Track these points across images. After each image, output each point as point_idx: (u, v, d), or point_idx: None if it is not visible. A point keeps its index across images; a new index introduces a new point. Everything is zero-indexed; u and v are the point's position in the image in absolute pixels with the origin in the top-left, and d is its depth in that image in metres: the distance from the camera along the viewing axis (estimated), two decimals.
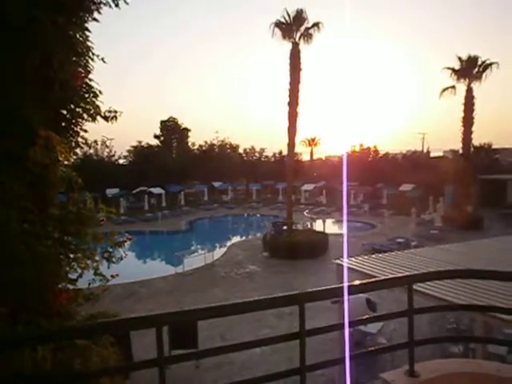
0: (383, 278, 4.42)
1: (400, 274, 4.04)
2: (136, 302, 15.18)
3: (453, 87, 30.80)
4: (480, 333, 8.01)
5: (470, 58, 30.29)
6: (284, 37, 23.96)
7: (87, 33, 5.52)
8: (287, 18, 23.61)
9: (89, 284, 5.89)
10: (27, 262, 3.89)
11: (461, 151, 32.70)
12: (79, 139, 5.93)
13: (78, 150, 6.51)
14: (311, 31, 23.51)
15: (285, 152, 27.89)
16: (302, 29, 23.65)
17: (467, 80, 30.46)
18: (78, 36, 5.36)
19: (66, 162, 5.43)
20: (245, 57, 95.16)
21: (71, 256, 5.42)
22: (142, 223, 33.06)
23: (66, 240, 5.40)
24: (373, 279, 3.67)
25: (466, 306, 6.13)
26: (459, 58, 30.59)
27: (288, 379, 2.93)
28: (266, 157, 56.21)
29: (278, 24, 23.76)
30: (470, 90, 30.58)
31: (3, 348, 2.65)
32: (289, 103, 24.18)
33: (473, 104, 30.65)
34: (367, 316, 3.67)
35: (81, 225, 5.44)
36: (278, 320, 11.97)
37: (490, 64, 29.79)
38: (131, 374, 6.56)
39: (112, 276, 5.98)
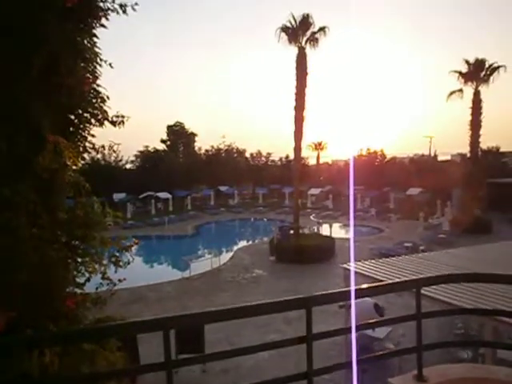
0: (390, 281, 4.40)
1: (407, 278, 4.02)
2: (143, 307, 15.21)
3: (460, 90, 30.72)
4: (489, 338, 7.93)
5: (477, 61, 30.20)
6: (290, 41, 24.03)
7: (95, 39, 5.58)
8: (293, 22, 23.68)
9: (96, 288, 5.91)
10: (36, 266, 3.92)
11: (468, 155, 32.53)
12: (87, 144, 5.97)
13: (85, 155, 6.57)
14: (317, 36, 23.57)
15: (291, 156, 27.90)
16: (308, 33, 23.71)
17: (474, 83, 30.36)
18: (86, 42, 5.41)
19: (74, 167, 5.48)
20: (252, 61, 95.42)
21: (79, 260, 5.44)
22: (149, 227, 33.16)
23: (74, 244, 5.43)
24: (380, 283, 3.66)
25: (474, 310, 6.08)
26: (466, 62, 30.52)
27: (296, 383, 2.92)
28: (273, 161, 56.28)
29: (284, 29, 23.84)
30: (477, 94, 30.46)
31: (12, 350, 2.67)
32: (295, 107, 24.21)
33: (480, 107, 30.52)
34: (374, 320, 3.65)
35: (88, 229, 5.47)
36: (286, 325, 11.93)
37: (498, 67, 29.70)
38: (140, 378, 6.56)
39: (119, 280, 5.99)
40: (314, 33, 23.57)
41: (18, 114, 4.09)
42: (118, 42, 68.52)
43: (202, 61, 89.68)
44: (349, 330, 3.15)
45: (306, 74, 24.11)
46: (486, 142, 40.69)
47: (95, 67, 5.72)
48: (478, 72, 30.11)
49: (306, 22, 23.49)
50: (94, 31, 5.64)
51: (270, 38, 24.21)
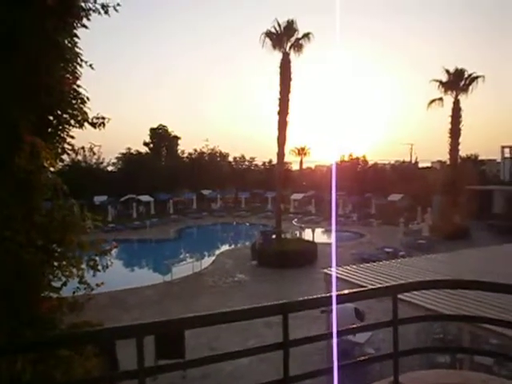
0: (370, 287, 4.42)
1: (387, 284, 4.04)
2: (123, 311, 14.98)
3: (440, 99, 31.31)
4: (467, 343, 8.04)
5: (456, 70, 30.86)
6: (274, 47, 24.12)
7: (76, 39, 5.50)
8: (278, 28, 23.80)
9: (73, 292, 5.79)
10: (8, 270, 3.81)
11: (448, 162, 33.13)
12: (66, 145, 5.86)
13: (65, 157, 6.44)
14: (302, 42, 23.72)
15: (274, 161, 27.96)
16: (293, 39, 23.85)
17: (454, 92, 30.99)
18: (66, 42, 5.32)
19: (51, 168, 5.36)
20: (236, 65, 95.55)
21: (55, 264, 5.32)
22: (130, 231, 32.77)
23: (50, 247, 5.30)
24: (359, 289, 3.67)
25: (452, 316, 6.16)
26: (447, 71, 31.14)
27: None
28: (256, 165, 56.32)
29: (269, 34, 23.93)
30: (456, 102, 31.08)
31: None
32: (279, 112, 24.29)
33: (460, 116, 31.15)
34: (353, 325, 3.66)
35: (66, 232, 5.36)
36: (267, 329, 11.88)
37: (476, 77, 30.39)
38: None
39: (97, 284, 5.88)
40: (299, 39, 23.72)
41: None
42: (100, 42, 67.91)
43: (186, 63, 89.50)
44: (328, 335, 3.14)
45: (290, 79, 24.24)
46: (465, 150, 41.64)
47: (75, 67, 5.63)
48: (457, 81, 30.76)
49: (290, 27, 23.63)
50: (75, 31, 5.56)
51: (258, 41, 24.22)
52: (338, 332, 3.15)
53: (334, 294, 3.00)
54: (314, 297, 3.05)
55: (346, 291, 3.16)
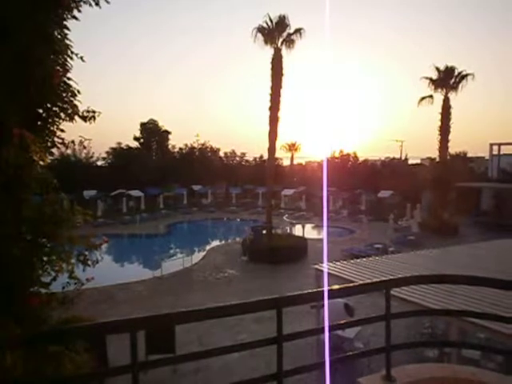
0: (361, 282, 4.44)
1: (377, 279, 4.07)
2: (113, 306, 14.90)
3: (430, 96, 31.52)
4: (455, 337, 8.14)
5: (447, 68, 31.07)
6: (266, 42, 24.03)
7: (66, 30, 5.41)
8: (269, 23, 23.71)
9: (63, 288, 5.74)
10: None
11: (437, 159, 33.41)
12: (56, 139, 5.79)
13: (54, 150, 6.37)
14: (293, 37, 23.67)
15: (265, 156, 27.91)
16: (285, 34, 23.78)
17: (444, 90, 31.22)
18: (56, 33, 5.25)
19: (41, 162, 5.29)
20: (229, 61, 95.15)
21: (45, 259, 5.27)
22: (121, 226, 32.57)
23: (40, 242, 5.25)
24: (351, 284, 3.68)
25: (442, 310, 6.22)
26: (437, 68, 31.34)
27: None
28: (247, 161, 56.18)
29: (261, 29, 23.82)
30: (446, 100, 31.32)
31: None
32: (270, 108, 24.23)
33: (449, 113, 31.40)
34: (345, 320, 3.67)
35: (56, 226, 5.30)
36: (257, 324, 11.91)
37: (466, 75, 30.64)
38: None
39: (87, 279, 5.85)
40: (290, 34, 23.66)
41: None
42: (90, 36, 67.13)
43: (180, 61, 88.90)
44: (320, 330, 3.15)
45: (282, 74, 24.17)
46: (454, 147, 42.06)
47: (66, 60, 5.55)
48: (447, 79, 30.99)
49: (282, 23, 23.55)
50: (65, 23, 5.48)
51: (250, 36, 24.11)
52: (330, 327, 3.17)
53: (326, 288, 3.01)
54: (308, 291, 3.05)
55: (339, 286, 3.17)
